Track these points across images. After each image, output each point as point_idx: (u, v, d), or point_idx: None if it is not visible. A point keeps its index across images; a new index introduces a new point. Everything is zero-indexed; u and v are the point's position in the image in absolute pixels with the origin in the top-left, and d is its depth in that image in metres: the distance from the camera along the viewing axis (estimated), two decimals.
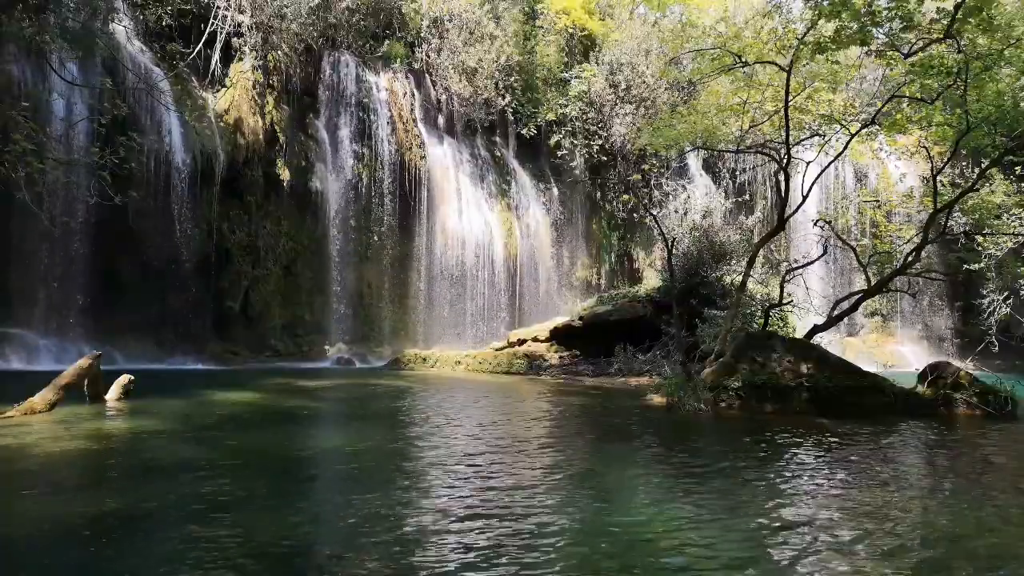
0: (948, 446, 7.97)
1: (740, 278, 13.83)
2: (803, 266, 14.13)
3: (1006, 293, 20.89)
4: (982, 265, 19.28)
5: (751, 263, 13.27)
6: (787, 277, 13.98)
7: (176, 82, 18.42)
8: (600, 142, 26.82)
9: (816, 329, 12.17)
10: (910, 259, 12.52)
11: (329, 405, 11.26)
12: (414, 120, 24.13)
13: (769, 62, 12.55)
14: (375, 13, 24.11)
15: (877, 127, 12.60)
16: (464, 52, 24.61)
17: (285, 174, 21.13)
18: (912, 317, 27.60)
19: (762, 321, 13.65)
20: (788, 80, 11.60)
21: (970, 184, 12.56)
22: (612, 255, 28.43)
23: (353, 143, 22.66)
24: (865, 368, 11.58)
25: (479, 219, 24.66)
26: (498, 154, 26.66)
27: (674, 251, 14.56)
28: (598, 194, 28.11)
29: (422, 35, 24.85)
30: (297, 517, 4.42)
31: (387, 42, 24.37)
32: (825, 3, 10.11)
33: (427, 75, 24.98)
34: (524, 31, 26.91)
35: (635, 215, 27.15)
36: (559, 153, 27.04)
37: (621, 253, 28.53)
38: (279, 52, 21.28)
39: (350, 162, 22.48)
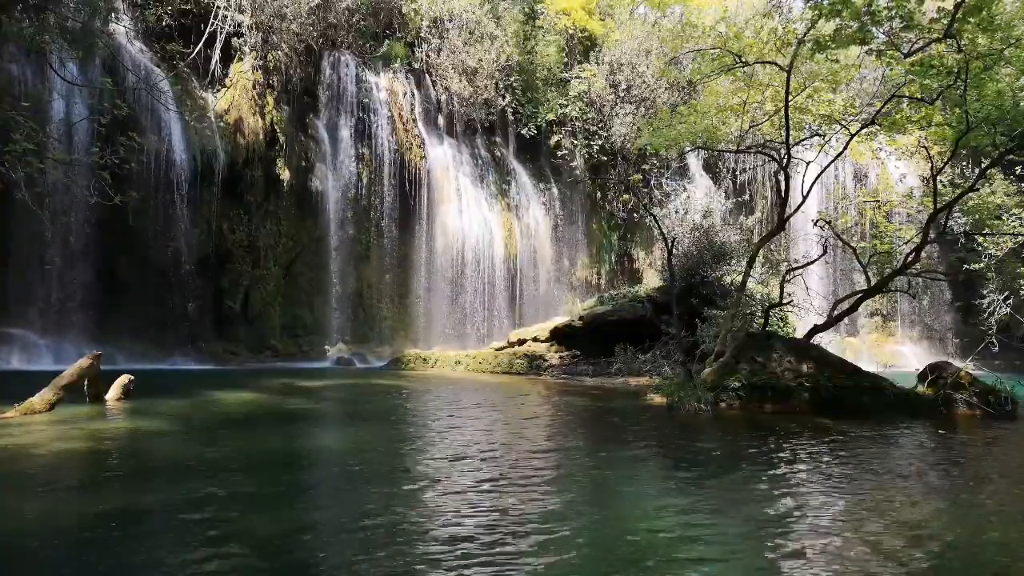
0: (948, 446, 7.97)
1: (740, 278, 13.81)
2: (803, 266, 14.12)
3: (1006, 293, 20.89)
4: (982, 265, 19.26)
5: (751, 263, 13.26)
6: (787, 277, 13.96)
7: (176, 82, 18.42)
8: (600, 142, 26.82)
9: (816, 329, 12.16)
10: (910, 259, 12.49)
11: (329, 405, 11.26)
12: (414, 120, 24.13)
13: (769, 62, 12.54)
14: (375, 13, 24.11)
15: (877, 127, 12.58)
16: (464, 52, 24.61)
17: (285, 174, 21.14)
18: (912, 317, 27.60)
19: (762, 321, 13.63)
20: (788, 80, 11.59)
21: (970, 184, 12.54)
22: (612, 255, 28.42)
23: (353, 143, 22.65)
24: (865, 368, 11.58)
25: (479, 219, 24.64)
26: (498, 154, 26.65)
27: (674, 251, 14.54)
28: (598, 194, 28.10)
29: (422, 35, 24.85)
30: (298, 517, 4.42)
31: (387, 42, 24.37)
32: (825, 2, 10.11)
33: (427, 75, 24.98)
34: (524, 31, 26.89)
35: (635, 215, 27.14)
36: (559, 153, 27.05)
37: (621, 253, 28.53)
38: (279, 52, 21.29)
39: (350, 162, 22.48)
